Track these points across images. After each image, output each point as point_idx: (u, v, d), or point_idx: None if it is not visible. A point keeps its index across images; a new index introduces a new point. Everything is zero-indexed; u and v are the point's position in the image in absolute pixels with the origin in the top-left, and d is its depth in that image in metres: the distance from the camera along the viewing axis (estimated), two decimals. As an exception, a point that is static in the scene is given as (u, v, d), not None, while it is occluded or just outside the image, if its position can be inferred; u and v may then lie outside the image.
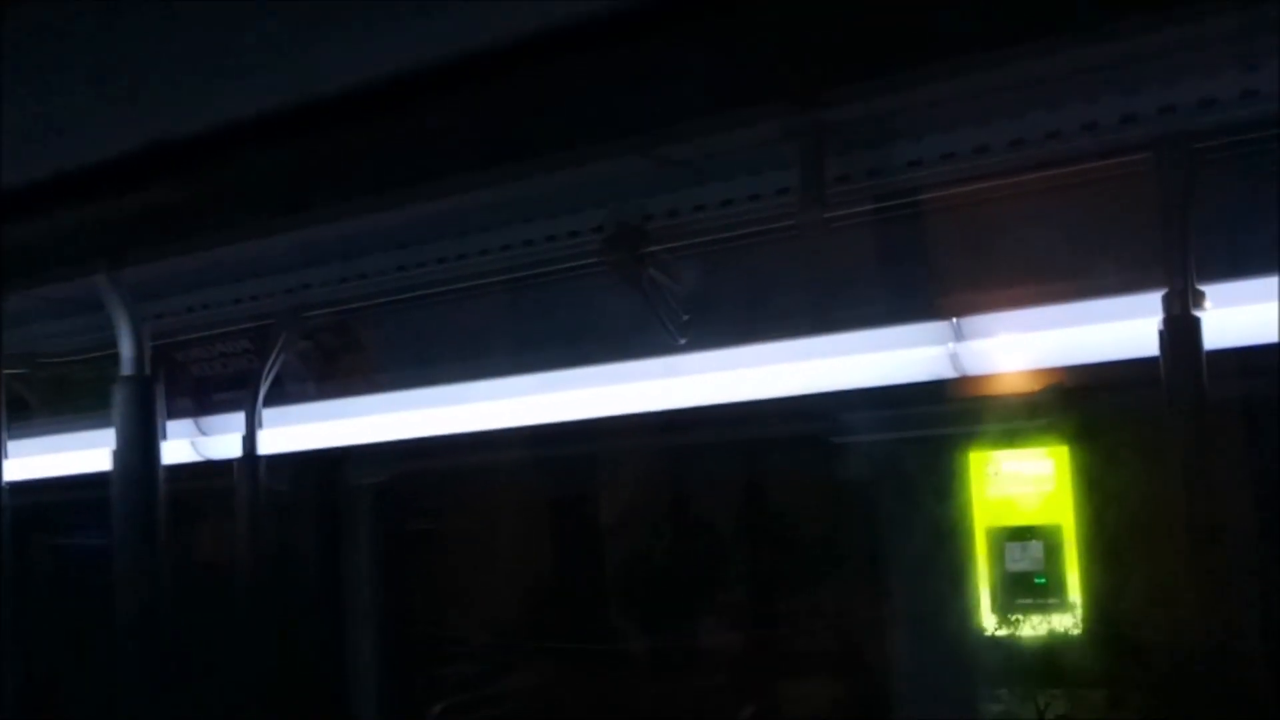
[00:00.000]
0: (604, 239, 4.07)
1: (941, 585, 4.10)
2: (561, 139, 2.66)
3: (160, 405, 4.58)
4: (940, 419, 4.05)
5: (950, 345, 3.65)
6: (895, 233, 3.80)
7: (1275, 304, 3.16)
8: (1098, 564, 3.91)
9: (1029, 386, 3.82)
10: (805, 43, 2.14)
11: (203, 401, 5.29)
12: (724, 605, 5.27)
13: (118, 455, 4.39)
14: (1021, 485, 4.02)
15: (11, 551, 4.96)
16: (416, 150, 2.60)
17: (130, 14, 2.26)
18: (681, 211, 4.00)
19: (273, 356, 4.89)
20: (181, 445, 5.16)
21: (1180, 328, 3.26)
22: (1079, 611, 3.92)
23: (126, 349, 4.45)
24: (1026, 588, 3.99)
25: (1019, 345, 3.62)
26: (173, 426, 4.93)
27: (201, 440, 5.25)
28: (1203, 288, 3.29)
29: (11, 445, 5.44)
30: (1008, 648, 3.98)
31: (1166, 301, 3.29)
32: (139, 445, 4.38)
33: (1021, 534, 4.00)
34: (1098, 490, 3.91)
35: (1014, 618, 3.98)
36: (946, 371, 3.71)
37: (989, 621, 4.01)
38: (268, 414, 4.93)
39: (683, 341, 4.04)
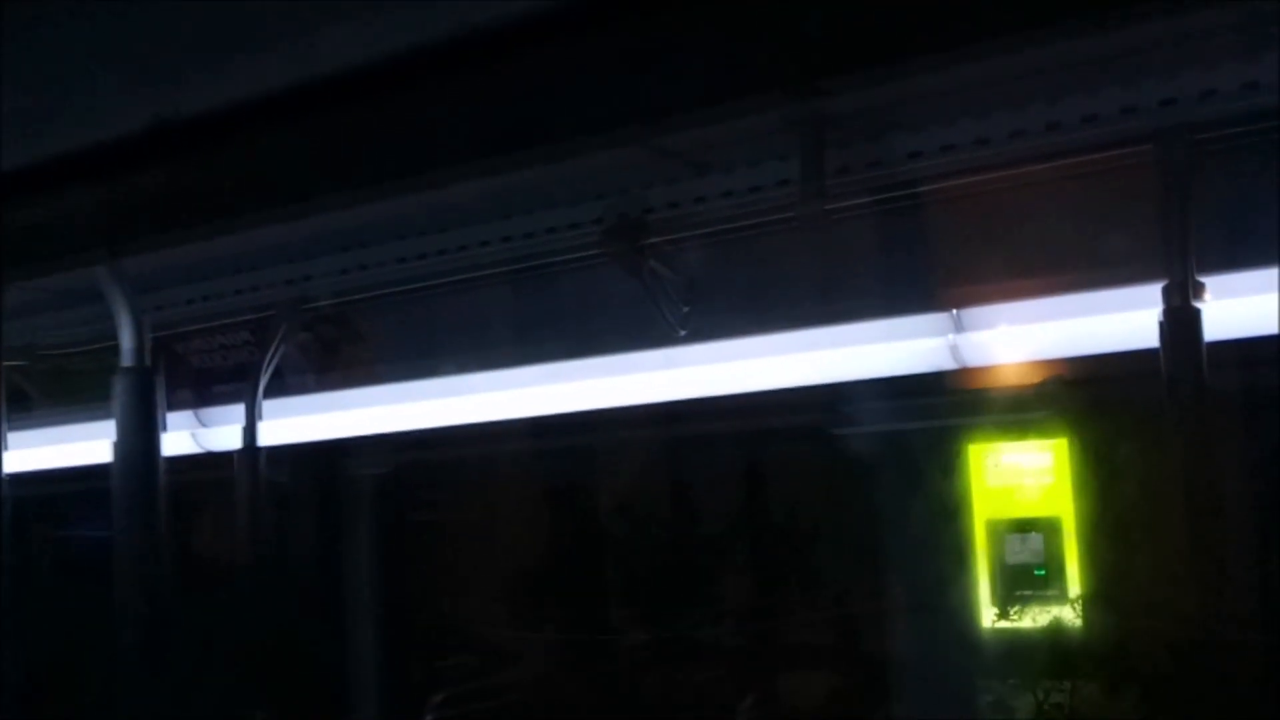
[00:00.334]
0: (604, 230, 4.07)
1: (942, 577, 4.10)
2: (562, 130, 2.67)
3: (160, 397, 4.58)
4: (940, 410, 4.06)
5: (950, 337, 3.65)
6: (895, 224, 3.80)
7: (1275, 296, 3.16)
8: (1097, 556, 3.91)
9: (1029, 378, 3.82)
10: (806, 34, 2.15)
11: (203, 393, 5.29)
12: (725, 596, 5.28)
13: (118, 446, 4.40)
14: (1021, 477, 4.03)
15: (12, 542, 4.97)
16: (416, 139, 2.60)
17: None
18: (682, 203, 4.00)
19: (273, 348, 4.89)
20: (182, 437, 5.17)
21: (1180, 319, 3.26)
22: (1078, 603, 3.92)
23: (127, 340, 4.46)
24: (1026, 580, 3.99)
25: (1019, 337, 3.62)
26: (173, 418, 4.93)
27: (202, 432, 5.26)
28: (1203, 279, 3.29)
29: (12, 437, 5.45)
30: (1007, 639, 3.99)
31: (1166, 293, 3.29)
32: (139, 436, 4.39)
33: (1021, 526, 4.01)
34: (1097, 482, 3.91)
35: (1014, 609, 3.98)
36: (947, 363, 3.71)
37: (989, 613, 4.02)
38: (268, 405, 4.94)
39: (683, 333, 4.04)
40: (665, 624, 5.31)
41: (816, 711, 4.86)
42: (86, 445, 5.24)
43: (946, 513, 4.09)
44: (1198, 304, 3.27)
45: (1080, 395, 3.85)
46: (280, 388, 4.99)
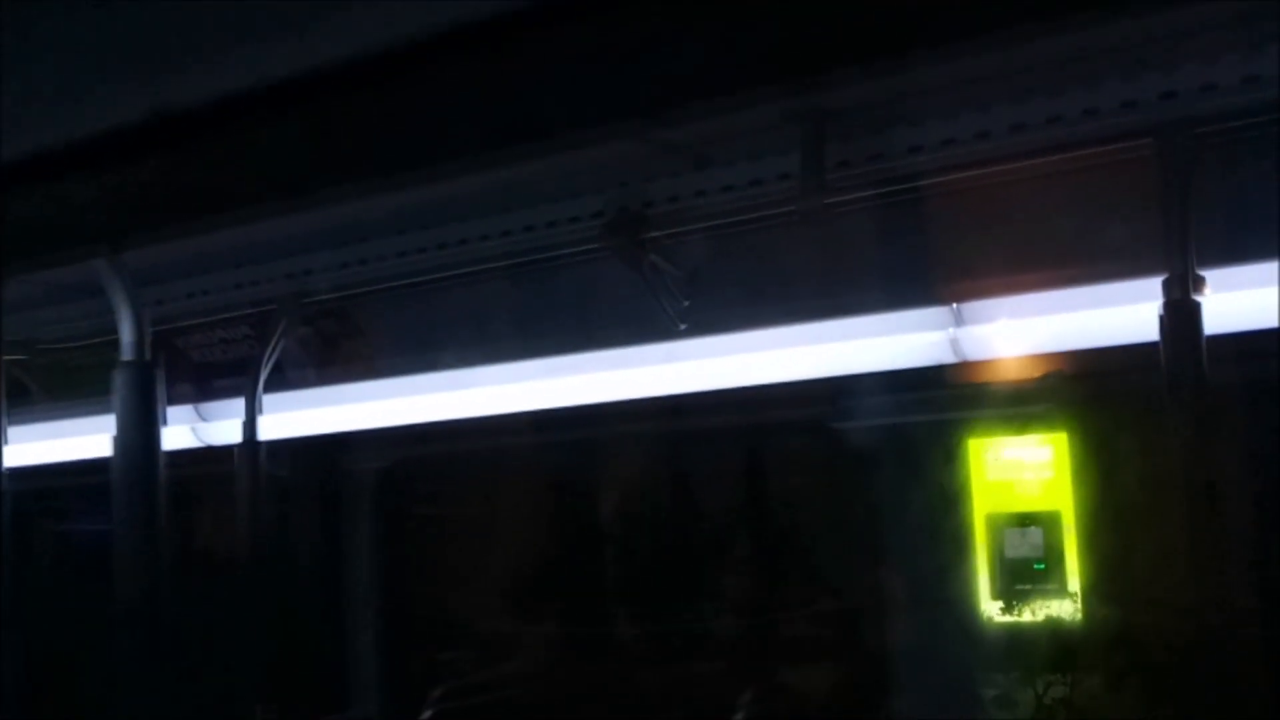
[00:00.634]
0: (605, 224, 4.07)
1: (942, 570, 4.11)
2: (562, 123, 2.66)
3: (160, 391, 4.58)
4: (941, 404, 4.06)
5: (951, 330, 3.65)
6: (896, 218, 3.80)
7: (1275, 289, 3.16)
8: (1097, 550, 3.92)
9: (1029, 372, 3.82)
10: (806, 27, 2.14)
11: (203, 387, 5.28)
12: (725, 590, 5.28)
13: (118, 441, 4.40)
14: (1021, 471, 4.03)
15: (12, 537, 4.97)
16: (416, 133, 2.59)
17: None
18: (682, 197, 4.00)
19: (273, 342, 4.89)
20: (182, 431, 5.16)
21: (1180, 313, 3.26)
22: (1078, 597, 3.92)
23: (127, 334, 4.45)
24: (1026, 573, 4.00)
25: (1020, 330, 3.62)
26: (173, 412, 4.93)
27: (202, 426, 5.25)
28: (1203, 273, 3.29)
29: (12, 431, 5.44)
30: (1007, 633, 3.99)
31: (1167, 286, 3.29)
32: (139, 431, 4.38)
33: (1021, 520, 4.01)
34: (1097, 476, 3.91)
35: (1014, 603, 3.99)
36: (947, 357, 3.71)
37: (989, 607, 4.02)
38: (268, 400, 4.93)
39: (683, 327, 4.04)
40: (666, 618, 5.31)
41: (817, 705, 4.86)
42: (86, 440, 5.24)
43: (946, 507, 4.09)
44: (1198, 297, 3.27)
45: (1080, 389, 3.85)
46: (280, 382, 4.99)
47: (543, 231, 4.26)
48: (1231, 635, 3.26)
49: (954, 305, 3.63)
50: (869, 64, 2.86)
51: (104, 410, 4.59)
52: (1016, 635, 3.98)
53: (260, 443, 4.92)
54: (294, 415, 4.95)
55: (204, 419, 5.25)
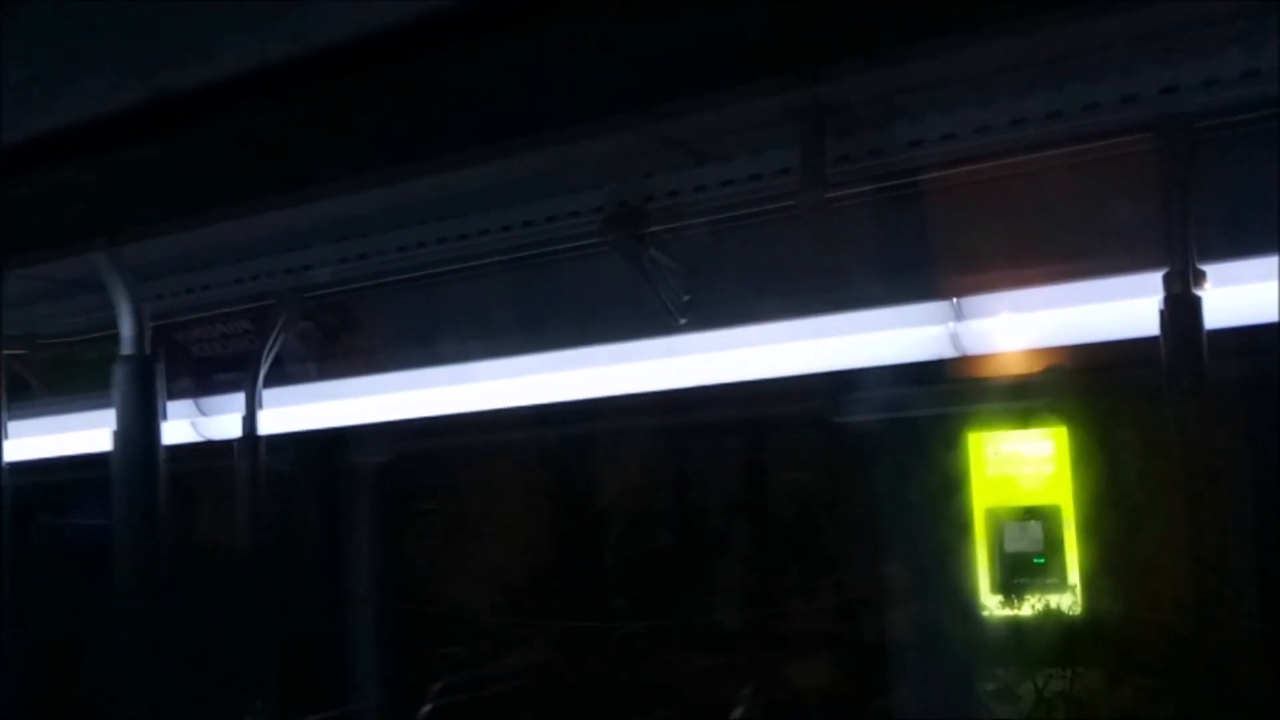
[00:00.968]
0: (604, 219, 4.06)
1: (942, 564, 4.11)
2: (562, 117, 2.66)
3: (160, 385, 4.58)
4: (941, 398, 4.06)
5: (951, 325, 3.65)
6: (896, 213, 3.79)
7: (1275, 283, 3.15)
8: (1096, 544, 3.92)
9: (1029, 366, 3.82)
10: (806, 21, 2.14)
11: (203, 382, 5.28)
12: (725, 583, 5.28)
13: (118, 435, 4.40)
14: (1021, 465, 4.03)
15: (12, 531, 4.97)
16: (416, 126, 2.59)
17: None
18: (682, 191, 3.99)
19: (273, 337, 4.89)
20: (182, 425, 5.16)
21: (1181, 307, 3.26)
22: (1078, 591, 3.93)
23: (127, 329, 4.46)
24: (1026, 567, 4.00)
25: (1019, 325, 3.62)
26: (173, 407, 4.93)
27: (202, 420, 5.25)
28: (1203, 267, 3.29)
29: (12, 425, 5.44)
30: (1007, 626, 4.00)
31: (1167, 281, 3.29)
32: (139, 425, 4.39)
33: (1021, 514, 4.02)
34: (1097, 470, 3.91)
35: (1014, 597, 3.99)
36: (947, 351, 3.71)
37: (989, 601, 4.03)
38: (268, 394, 4.93)
39: (683, 321, 4.04)
40: (666, 612, 5.32)
41: (817, 698, 4.87)
42: (87, 434, 5.24)
43: (946, 501, 4.09)
44: (1198, 292, 3.27)
45: (1081, 383, 3.85)
46: (280, 376, 4.99)
47: (542, 226, 4.26)
48: (1230, 628, 3.26)
49: (954, 299, 3.63)
50: (869, 59, 2.87)
51: (104, 405, 4.60)
52: (1016, 628, 3.98)
53: (260, 437, 4.92)
54: (294, 410, 4.95)
55: (204, 413, 5.25)
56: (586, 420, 4.79)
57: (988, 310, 3.60)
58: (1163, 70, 3.27)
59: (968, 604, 4.06)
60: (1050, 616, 3.94)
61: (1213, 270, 3.29)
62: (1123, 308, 3.40)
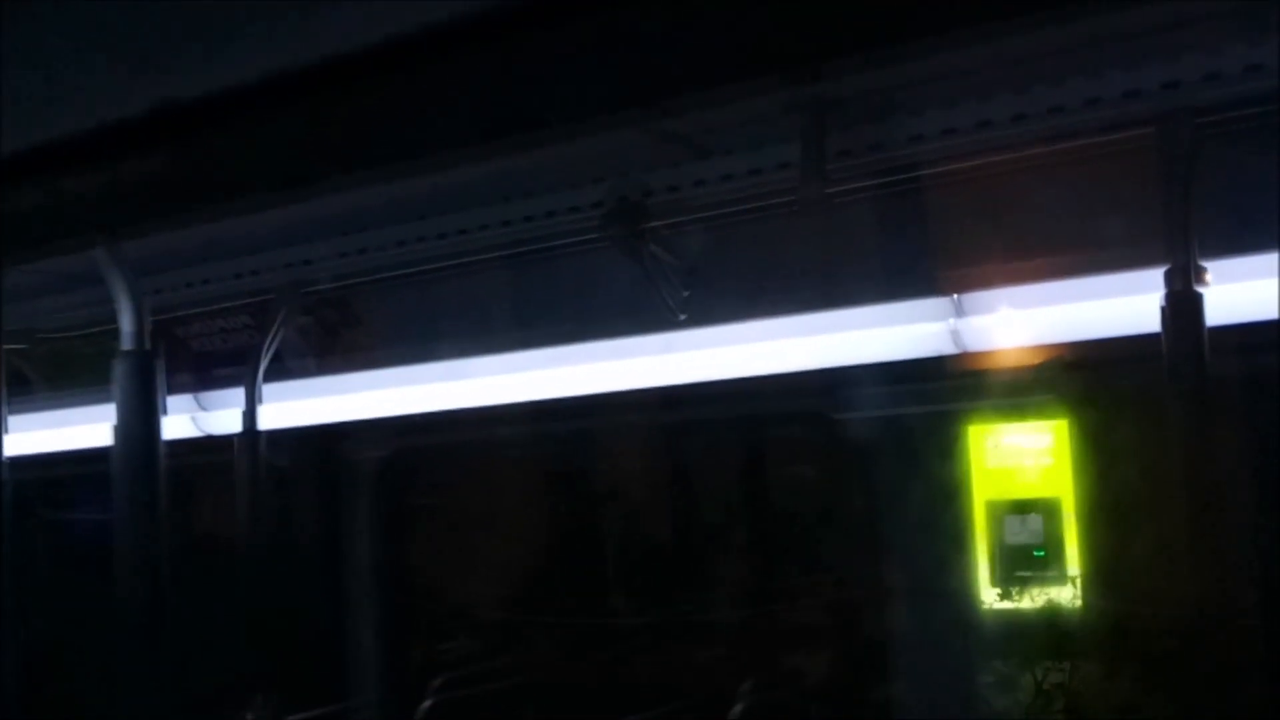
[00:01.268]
0: (604, 214, 4.06)
1: (941, 559, 4.12)
2: (562, 113, 2.66)
3: (160, 380, 4.57)
4: (941, 395, 4.05)
5: (951, 321, 3.64)
6: (897, 208, 3.79)
7: (1278, 280, 3.14)
8: (1097, 537, 3.93)
9: (1030, 362, 3.81)
10: (807, 15, 2.13)
11: (203, 377, 5.28)
12: (724, 579, 5.29)
13: (118, 430, 4.39)
14: (1021, 461, 4.03)
15: (12, 526, 4.97)
16: (416, 123, 2.59)
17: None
18: (682, 187, 3.99)
19: (272, 332, 4.88)
20: (182, 420, 5.16)
21: (1182, 304, 3.25)
22: (1078, 584, 3.93)
23: (127, 324, 4.44)
24: (1025, 560, 4.01)
25: (1020, 321, 3.61)
26: (173, 402, 4.92)
27: (202, 415, 5.26)
28: (1205, 264, 3.28)
29: (12, 420, 5.44)
30: (1007, 620, 4.00)
31: (1169, 277, 3.28)
32: (139, 420, 4.37)
33: (1021, 507, 4.02)
34: (1097, 468, 3.91)
35: (1013, 590, 4.00)
36: (948, 348, 3.70)
37: (988, 594, 4.03)
38: (268, 389, 4.93)
39: (683, 317, 4.03)
40: (666, 607, 5.33)
41: (816, 690, 4.88)
42: (87, 429, 5.24)
43: (946, 497, 4.10)
44: (1200, 288, 3.26)
45: (1081, 380, 3.85)
46: (280, 371, 4.99)
47: (542, 221, 4.25)
48: (1230, 622, 3.26)
49: (954, 296, 3.62)
50: (870, 53, 2.86)
51: (104, 399, 4.59)
52: (1016, 622, 3.99)
53: (260, 432, 4.92)
54: (293, 405, 4.95)
55: (204, 408, 5.25)
56: (586, 416, 4.79)
57: (988, 306, 3.59)
58: (1165, 65, 3.25)
59: (967, 597, 4.06)
60: (1050, 609, 3.94)
61: (1215, 267, 3.27)
62: (1124, 304, 3.39)
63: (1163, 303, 3.28)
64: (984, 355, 3.76)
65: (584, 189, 4.14)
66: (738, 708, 4.58)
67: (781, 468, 5.20)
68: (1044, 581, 3.96)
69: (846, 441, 4.34)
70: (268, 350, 4.89)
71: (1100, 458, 3.90)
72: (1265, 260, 3.19)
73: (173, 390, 5.01)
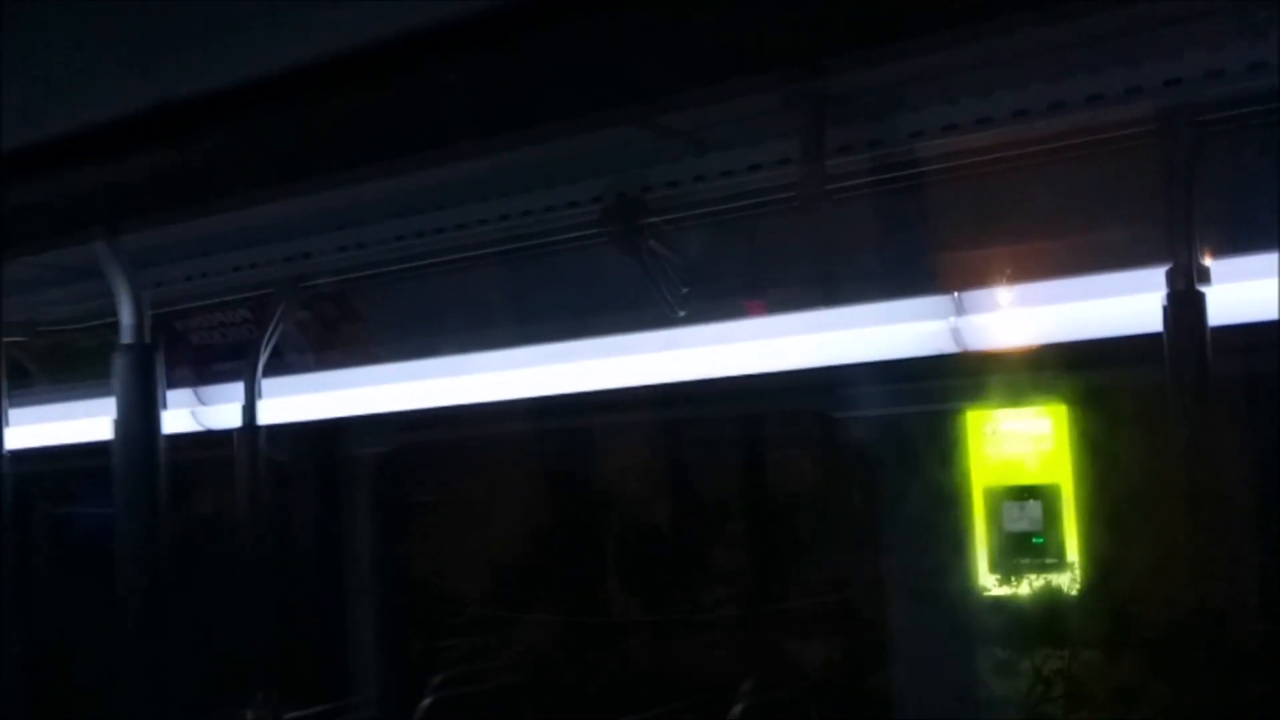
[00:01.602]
0: (603, 210, 4.04)
1: (940, 546, 4.12)
2: (561, 108, 2.64)
3: (160, 374, 4.56)
4: (941, 393, 4.05)
5: (952, 319, 3.62)
6: (897, 205, 3.77)
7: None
8: (1095, 529, 3.93)
9: (1030, 361, 3.80)
10: (807, 11, 2.12)
11: (202, 371, 5.28)
12: (723, 574, 5.29)
13: (118, 423, 4.38)
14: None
15: (12, 519, 4.97)
16: (415, 118, 2.58)
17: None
18: (681, 182, 3.97)
19: (271, 326, 4.88)
20: (181, 415, 5.16)
21: (1184, 303, 3.23)
22: (1076, 570, 3.94)
23: (127, 317, 4.43)
24: (1024, 547, 4.01)
25: (1021, 319, 3.59)
26: (172, 396, 4.91)
27: (201, 410, 5.25)
28: (1208, 263, 3.26)
29: (12, 413, 5.44)
30: (1005, 606, 4.01)
31: (1170, 277, 3.26)
32: (140, 413, 4.37)
33: (1020, 493, 4.02)
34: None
35: (1012, 576, 4.00)
36: (948, 346, 3.69)
37: (987, 580, 4.04)
38: (267, 384, 4.93)
39: (682, 314, 4.02)
40: (665, 605, 5.33)
41: (816, 677, 4.89)
42: (87, 422, 5.24)
43: (945, 489, 4.10)
44: (1202, 288, 3.24)
45: (1082, 378, 3.84)
46: (279, 366, 4.98)
47: (540, 217, 4.24)
48: (1227, 609, 3.24)
49: (955, 294, 3.60)
50: (870, 48, 2.83)
51: (104, 393, 4.59)
52: (1015, 607, 3.99)
53: (259, 427, 4.91)
54: (292, 400, 4.94)
55: (203, 402, 5.24)
56: (584, 413, 4.79)
57: (989, 305, 3.57)
58: (1167, 61, 3.23)
59: (966, 584, 4.06)
60: (1049, 595, 3.94)
61: (1217, 266, 3.25)
62: (1125, 303, 3.37)
63: (1165, 302, 3.26)
64: (985, 353, 3.75)
65: (583, 184, 4.12)
66: (738, 708, 4.58)
67: (781, 464, 5.20)
68: (1043, 568, 3.97)
69: (845, 439, 4.34)
70: (267, 345, 4.88)
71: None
72: (1269, 259, 3.16)
73: (172, 385, 5.01)
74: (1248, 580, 3.47)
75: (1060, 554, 3.95)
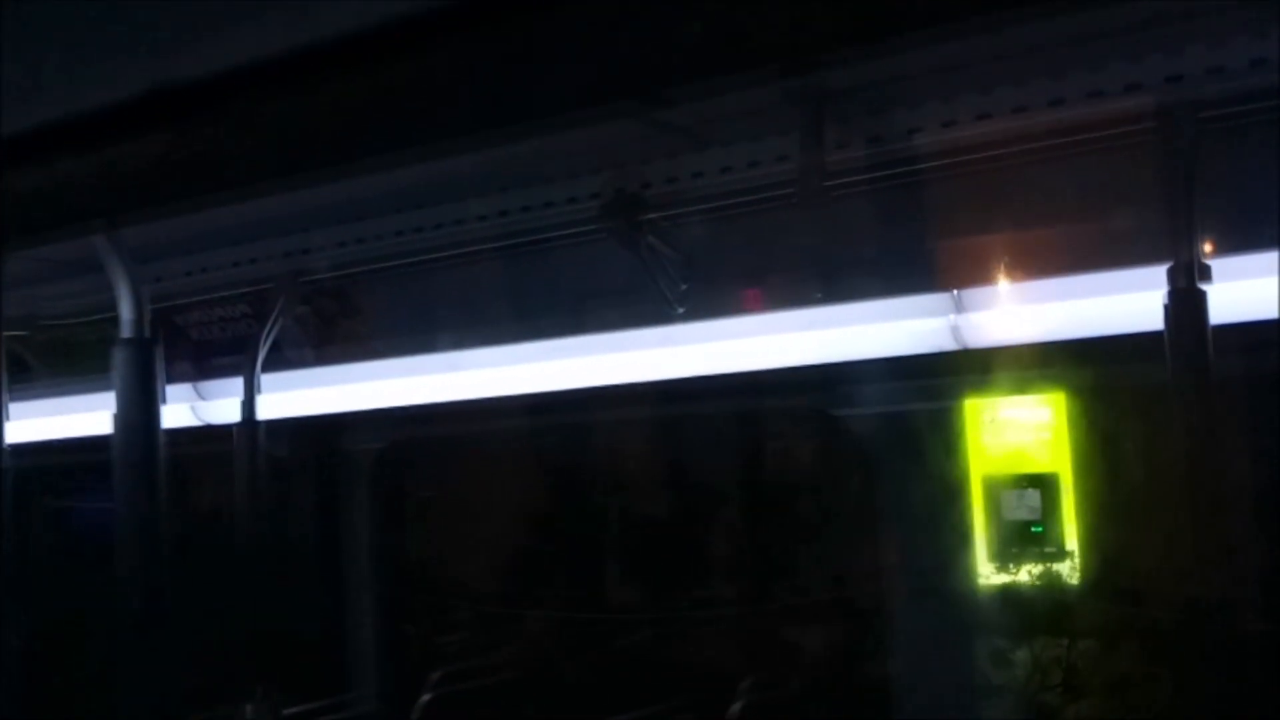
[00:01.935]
0: (602, 205, 4.04)
1: (939, 534, 4.12)
2: (560, 103, 2.64)
3: (160, 368, 4.56)
4: (940, 391, 4.04)
5: (951, 317, 3.62)
6: (896, 201, 3.76)
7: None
8: (1096, 527, 3.93)
9: (1030, 358, 3.80)
10: (806, 6, 2.11)
11: (201, 366, 5.28)
12: (723, 570, 5.29)
13: (118, 418, 4.39)
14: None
15: (12, 514, 4.97)
16: (414, 111, 2.57)
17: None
18: (680, 178, 3.97)
19: (271, 321, 4.88)
20: (181, 409, 5.16)
21: (1185, 301, 3.22)
22: (1075, 559, 3.94)
23: (126, 311, 4.43)
24: (1024, 536, 4.02)
25: (1021, 317, 3.58)
26: (171, 390, 4.91)
27: (200, 405, 5.25)
28: (1209, 262, 3.25)
29: (13, 407, 5.44)
30: (1004, 594, 4.01)
31: (1171, 275, 3.25)
32: (139, 408, 4.37)
33: (1020, 482, 4.02)
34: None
35: (1011, 565, 4.01)
36: (947, 343, 3.68)
37: (986, 569, 4.04)
38: (266, 379, 4.93)
39: (681, 310, 4.02)
40: (665, 601, 5.33)
41: (815, 667, 4.90)
42: (87, 416, 5.24)
43: (945, 483, 4.10)
44: (1203, 286, 3.23)
45: (1082, 375, 3.84)
46: (278, 361, 4.98)
47: (539, 212, 4.23)
48: (1227, 598, 3.24)
49: (954, 291, 3.60)
50: (869, 44, 2.82)
51: (104, 387, 4.59)
52: (1014, 596, 3.99)
53: (258, 421, 4.91)
54: (292, 395, 4.94)
55: (202, 397, 5.24)
56: (584, 409, 4.78)
57: (988, 302, 3.56)
58: (1168, 58, 3.22)
59: (965, 572, 4.06)
60: (1048, 584, 3.95)
61: (1218, 264, 3.24)
62: (1125, 301, 3.36)
63: (1165, 300, 3.25)
64: (984, 351, 3.74)
65: (582, 180, 4.12)
66: (737, 705, 4.58)
67: (780, 458, 5.19)
68: (1042, 557, 3.97)
69: (844, 436, 4.33)
70: (266, 340, 4.88)
71: (1098, 441, 3.90)
72: (1270, 258, 3.15)
73: (171, 379, 5.00)
74: (1247, 574, 3.46)
75: (1059, 543, 3.95)
